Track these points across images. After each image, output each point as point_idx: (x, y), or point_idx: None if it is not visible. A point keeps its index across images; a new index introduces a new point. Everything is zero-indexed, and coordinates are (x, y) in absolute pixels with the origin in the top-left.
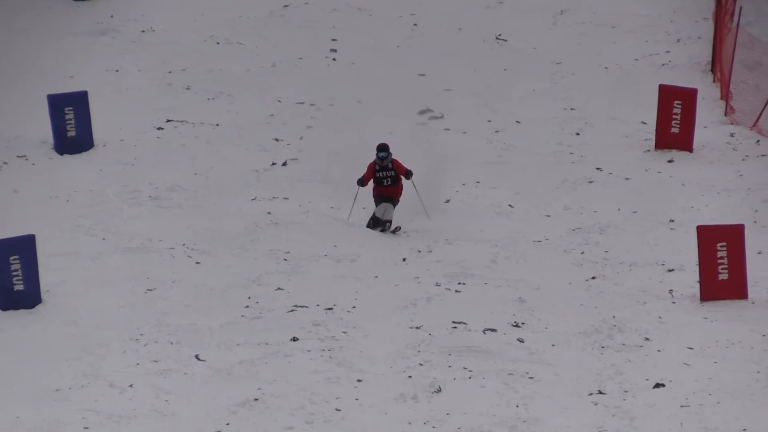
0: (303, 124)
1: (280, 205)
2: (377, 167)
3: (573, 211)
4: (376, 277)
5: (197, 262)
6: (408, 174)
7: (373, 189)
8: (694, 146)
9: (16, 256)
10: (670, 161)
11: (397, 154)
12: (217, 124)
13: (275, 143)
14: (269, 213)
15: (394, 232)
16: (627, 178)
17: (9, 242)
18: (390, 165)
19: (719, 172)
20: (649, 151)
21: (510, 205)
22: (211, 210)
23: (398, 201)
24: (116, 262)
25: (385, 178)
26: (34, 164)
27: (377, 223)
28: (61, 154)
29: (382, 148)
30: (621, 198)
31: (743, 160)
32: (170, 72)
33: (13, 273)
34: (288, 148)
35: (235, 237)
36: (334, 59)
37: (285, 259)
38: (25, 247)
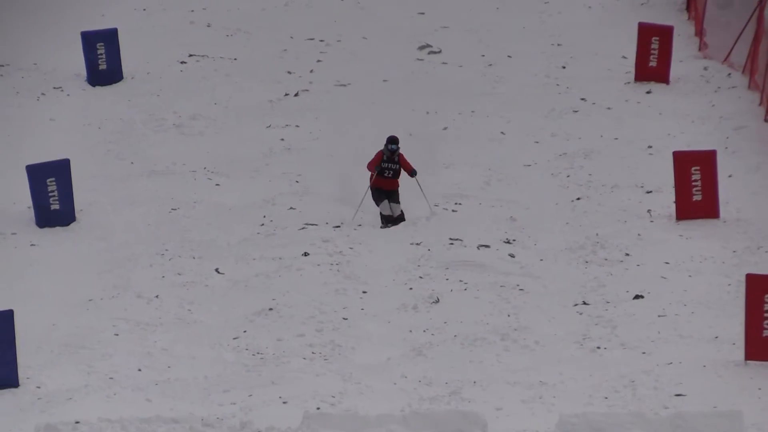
0: (313, 58)
1: (293, 132)
2: (385, 158)
3: (559, 138)
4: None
5: (217, 184)
6: (413, 173)
7: (374, 180)
8: (671, 79)
9: (53, 179)
10: (648, 92)
11: (398, 86)
12: (235, 59)
13: (288, 76)
14: (282, 139)
15: (399, 216)
16: (609, 108)
17: (46, 166)
18: (396, 158)
19: (693, 103)
20: (629, 83)
21: (502, 132)
22: (230, 136)
23: (398, 192)
24: (143, 184)
25: (389, 169)
26: (68, 95)
27: (390, 220)
28: (94, 86)
29: (393, 140)
30: (603, 126)
31: (715, 91)
32: (192, 11)
33: (50, 194)
34: (299, 80)
35: (252, 161)
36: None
37: (297, 181)
38: (61, 170)
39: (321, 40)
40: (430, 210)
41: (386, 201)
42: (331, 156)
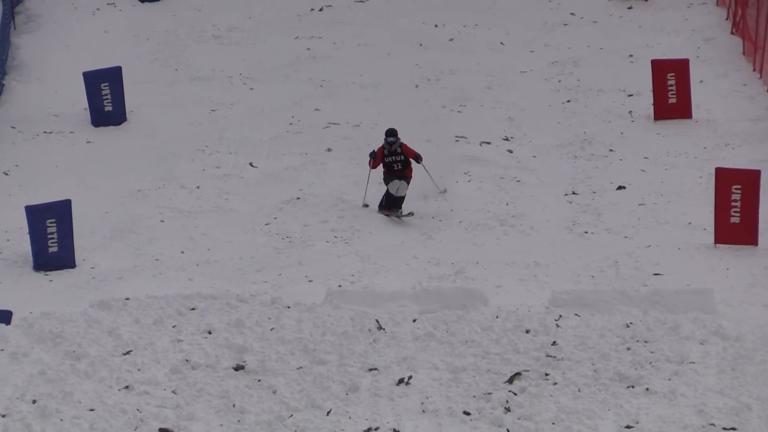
0: None
1: (317, 42)
2: (386, 152)
3: (551, 48)
4: (394, 100)
5: (251, 88)
6: (417, 158)
7: (384, 173)
8: None
9: (106, 84)
10: (629, 8)
11: (410, 2)
12: None
13: None
14: (308, 49)
15: (407, 215)
16: (595, 22)
17: (101, 72)
18: (399, 149)
19: (669, 17)
20: (612, 0)
21: (501, 43)
22: (262, 46)
23: (410, 179)
24: (186, 88)
25: (395, 162)
26: (120, 10)
27: (391, 202)
28: (143, 2)
29: (391, 133)
30: (590, 37)
31: (688, 7)
32: None
33: (104, 97)
34: None
35: (281, 68)
36: None
37: (321, 86)
38: (114, 76)
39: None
40: (438, 189)
41: (396, 180)
42: (350, 63)
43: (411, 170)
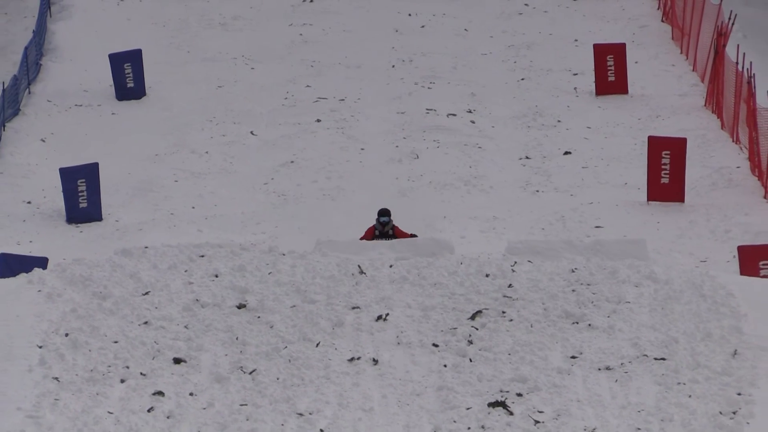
0: None
1: (308, 29)
2: (377, 232)
3: (508, 34)
4: (374, 78)
5: (252, 68)
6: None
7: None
8: None
9: (129, 64)
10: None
11: None
12: None
13: None
14: (301, 34)
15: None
16: (545, 11)
17: (123, 54)
18: (391, 232)
19: (608, 7)
20: None
21: (465, 29)
22: (261, 32)
23: None
24: (197, 68)
25: None
26: (141, 1)
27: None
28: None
29: (384, 213)
30: (541, 25)
31: None
32: None
33: (126, 75)
34: None
35: (278, 50)
36: None
37: (311, 66)
38: (135, 57)
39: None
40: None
41: None
42: (336, 47)
43: None
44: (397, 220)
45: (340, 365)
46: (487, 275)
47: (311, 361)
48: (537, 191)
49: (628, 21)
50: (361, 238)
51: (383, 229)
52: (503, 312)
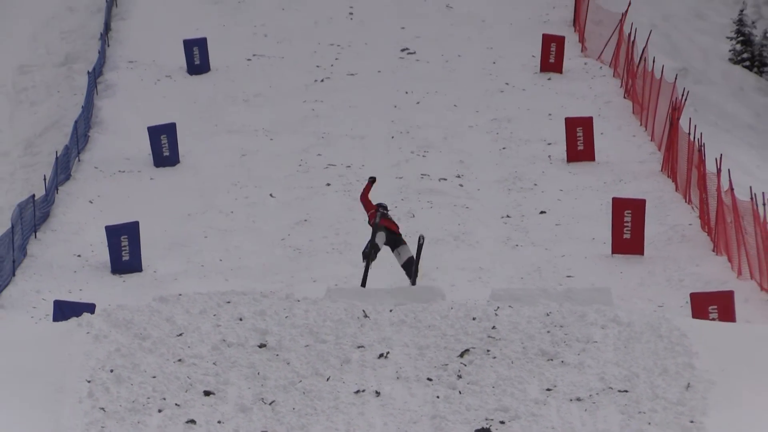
0: (333, 57)
1: (319, 105)
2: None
3: (491, 109)
4: (376, 148)
5: (270, 139)
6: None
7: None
8: (563, 70)
9: (165, 135)
10: (549, 79)
11: (387, 75)
12: (282, 57)
13: (316, 68)
14: (313, 110)
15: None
16: (523, 89)
17: (160, 127)
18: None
19: (578, 85)
20: (536, 73)
21: (455, 105)
22: (279, 107)
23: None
24: (223, 138)
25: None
26: (175, 81)
27: (371, 255)
28: (191, 75)
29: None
30: (519, 101)
31: (592, 78)
32: (255, 26)
33: (163, 145)
34: (324, 71)
35: (293, 123)
36: (350, 19)
37: (322, 137)
38: (170, 130)
39: (338, 45)
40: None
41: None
42: (343, 121)
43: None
44: (395, 273)
45: (347, 397)
46: (473, 318)
47: (322, 393)
48: (517, 245)
49: (595, 98)
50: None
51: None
52: (488, 350)
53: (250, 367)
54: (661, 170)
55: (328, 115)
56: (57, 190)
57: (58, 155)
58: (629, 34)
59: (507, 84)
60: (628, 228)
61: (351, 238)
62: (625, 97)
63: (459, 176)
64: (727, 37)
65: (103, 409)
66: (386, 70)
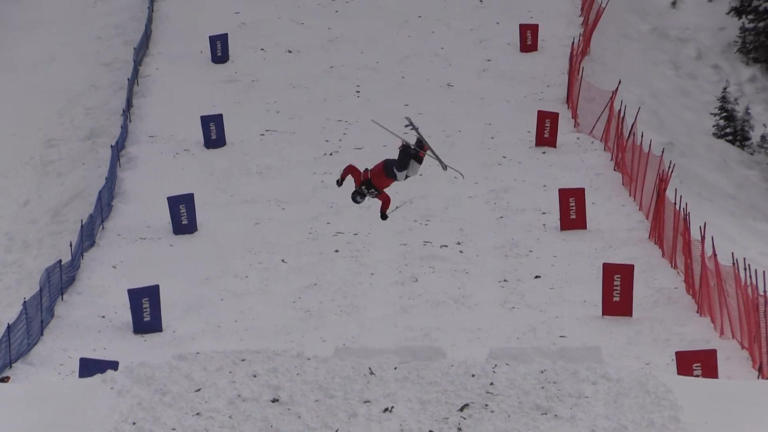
0: (341, 132)
1: (328, 176)
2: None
3: (489, 180)
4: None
5: (282, 208)
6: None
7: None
8: (557, 144)
9: (183, 205)
10: (543, 153)
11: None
12: (294, 132)
13: (326, 143)
14: (322, 181)
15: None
16: (520, 162)
17: (180, 197)
18: (376, 192)
19: (570, 158)
20: (531, 147)
21: (455, 177)
22: (290, 179)
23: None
24: (238, 208)
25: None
26: (193, 154)
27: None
28: (208, 149)
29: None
30: (516, 173)
31: (584, 152)
32: (268, 102)
33: (182, 214)
34: (332, 145)
35: (303, 194)
36: (357, 97)
37: (331, 206)
38: (188, 200)
39: (346, 121)
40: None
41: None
42: (350, 192)
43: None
44: (400, 333)
45: None
46: (473, 375)
47: None
48: (513, 308)
49: (587, 170)
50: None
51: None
52: (486, 405)
53: (264, 420)
54: (649, 237)
55: (335, 186)
56: (82, 255)
57: (83, 223)
58: (619, 111)
59: (504, 157)
60: (617, 291)
61: (357, 301)
62: (615, 170)
63: (459, 243)
64: (711, 113)
65: None
66: (391, 144)
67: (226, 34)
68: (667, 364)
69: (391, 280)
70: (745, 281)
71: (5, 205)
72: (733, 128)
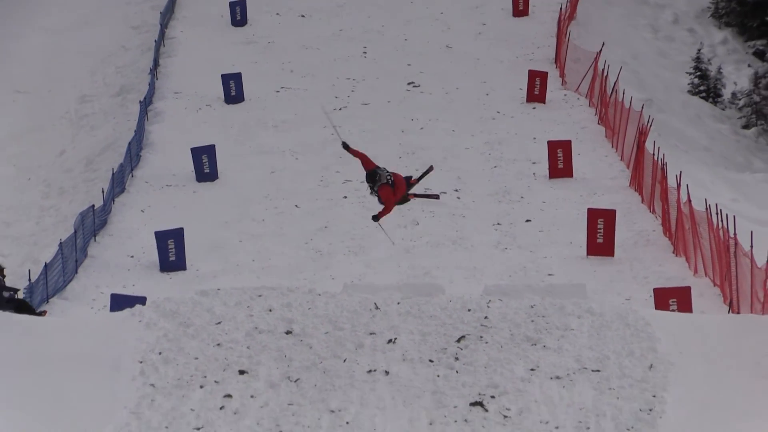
0: (350, 88)
1: (340, 128)
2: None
3: (485, 133)
4: (386, 166)
5: (296, 158)
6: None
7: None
8: (546, 100)
9: (206, 155)
10: (534, 108)
11: (395, 105)
12: (306, 89)
13: (335, 99)
14: (332, 134)
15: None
16: (512, 117)
17: (202, 148)
18: (390, 178)
19: (558, 113)
20: (523, 103)
21: (453, 130)
22: (304, 132)
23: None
24: (255, 158)
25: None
26: (214, 109)
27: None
28: (228, 104)
29: (370, 177)
30: (509, 126)
31: (571, 107)
32: (283, 62)
33: (204, 163)
34: (342, 101)
35: (315, 145)
36: (364, 57)
37: (340, 157)
38: (210, 151)
39: (354, 79)
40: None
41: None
42: (358, 143)
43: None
44: (402, 271)
45: (361, 375)
46: (469, 310)
47: (340, 372)
48: (506, 248)
49: (573, 124)
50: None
51: (376, 185)
52: (481, 336)
53: (279, 350)
54: (630, 185)
55: (345, 138)
56: (113, 201)
57: (114, 172)
58: (603, 70)
59: (498, 112)
60: (600, 234)
61: (364, 242)
62: (598, 124)
63: (457, 190)
64: (687, 72)
65: (153, 385)
66: (395, 101)
67: (245, 0)
68: (646, 300)
69: (395, 224)
70: (717, 225)
71: (43, 156)
72: (706, 86)
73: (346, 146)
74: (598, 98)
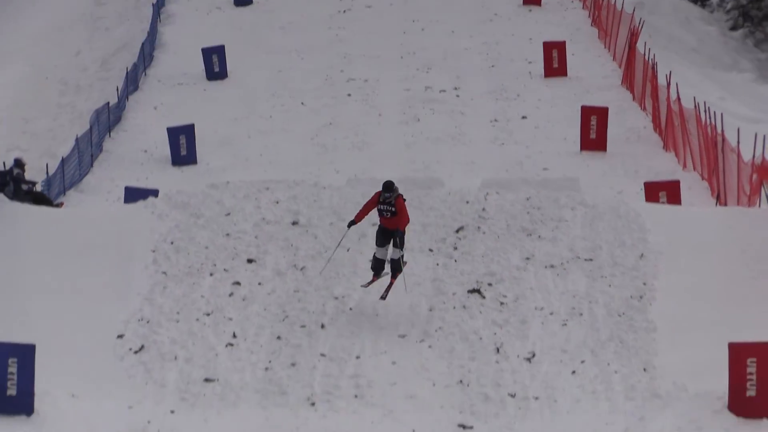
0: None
1: (343, 32)
2: (381, 199)
3: (482, 34)
4: (388, 65)
5: (302, 58)
6: (396, 231)
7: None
8: (542, 3)
9: (216, 54)
10: (530, 10)
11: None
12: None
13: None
14: (336, 35)
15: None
16: (509, 18)
17: (212, 48)
18: (393, 202)
19: (554, 16)
20: (519, 6)
21: (452, 31)
22: (309, 34)
23: (404, 232)
24: (263, 58)
25: (386, 211)
26: (224, 11)
27: (379, 268)
28: (237, 6)
29: (387, 188)
30: (506, 28)
31: (565, 10)
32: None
33: (214, 62)
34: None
35: (320, 46)
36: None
37: (344, 57)
38: (220, 51)
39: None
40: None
41: (387, 247)
42: (362, 43)
43: (405, 219)
44: (404, 166)
45: (364, 264)
46: (467, 202)
47: (344, 261)
48: (503, 144)
49: (568, 25)
50: (368, 202)
51: (386, 200)
52: (479, 227)
53: (285, 240)
54: (621, 84)
55: (349, 39)
56: (127, 98)
57: (128, 70)
58: None
59: (495, 14)
60: (593, 130)
61: (367, 138)
62: (592, 26)
63: (456, 88)
64: None
65: (165, 273)
66: (397, 3)
67: None
68: (637, 193)
69: (397, 120)
70: (705, 122)
71: (60, 55)
72: None
73: (352, 222)
74: (592, 0)
